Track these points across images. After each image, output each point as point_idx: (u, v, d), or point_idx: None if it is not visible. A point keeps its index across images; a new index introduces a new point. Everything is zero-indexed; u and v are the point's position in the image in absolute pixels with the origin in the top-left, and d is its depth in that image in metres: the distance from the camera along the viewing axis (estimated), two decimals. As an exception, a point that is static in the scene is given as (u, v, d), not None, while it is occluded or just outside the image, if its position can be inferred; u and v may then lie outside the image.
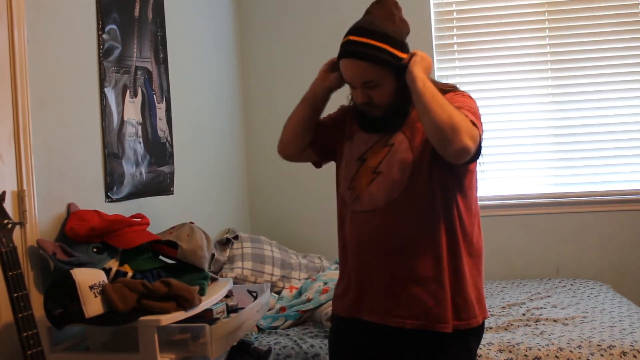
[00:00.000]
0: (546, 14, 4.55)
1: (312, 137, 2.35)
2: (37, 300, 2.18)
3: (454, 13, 4.65)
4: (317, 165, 2.48)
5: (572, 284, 4.12)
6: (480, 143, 2.05)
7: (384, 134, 2.21)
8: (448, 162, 2.05)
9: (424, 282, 2.14)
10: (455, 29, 4.66)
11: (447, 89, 2.19)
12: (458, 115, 1.97)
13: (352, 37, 2.11)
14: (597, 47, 4.50)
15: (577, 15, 4.52)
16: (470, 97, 2.19)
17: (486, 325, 3.23)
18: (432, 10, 4.61)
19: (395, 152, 2.16)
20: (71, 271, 2.09)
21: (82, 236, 2.36)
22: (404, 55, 2.11)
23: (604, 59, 4.49)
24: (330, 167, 2.41)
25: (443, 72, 4.64)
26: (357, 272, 2.25)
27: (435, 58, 4.60)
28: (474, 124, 2.01)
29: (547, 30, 4.56)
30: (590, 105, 4.52)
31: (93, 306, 2.08)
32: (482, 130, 2.08)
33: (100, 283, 2.12)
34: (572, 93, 4.54)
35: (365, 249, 2.21)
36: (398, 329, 2.16)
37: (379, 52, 2.08)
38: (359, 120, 2.26)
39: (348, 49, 2.12)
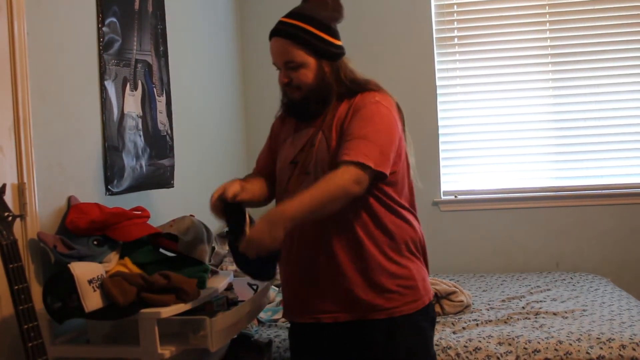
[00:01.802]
0: (547, 7, 4.55)
1: (269, 184, 2.41)
2: (37, 293, 2.18)
3: (455, 7, 4.64)
4: None
5: (571, 278, 4.13)
6: (377, 171, 2.04)
7: (308, 129, 2.23)
8: None
9: (342, 275, 2.15)
10: (455, 23, 4.65)
11: (364, 84, 2.20)
12: (330, 186, 2.00)
13: (281, 19, 2.22)
14: (597, 40, 4.50)
15: (577, 9, 4.51)
16: (383, 104, 2.15)
17: (486, 318, 3.25)
18: (433, 4, 4.61)
19: (317, 152, 2.18)
20: (69, 265, 2.09)
21: (83, 229, 2.36)
22: (332, 40, 2.18)
23: (604, 53, 4.49)
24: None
25: (444, 66, 4.64)
26: (284, 274, 2.31)
27: (435, 52, 4.60)
28: (362, 163, 2.01)
29: (547, 24, 4.56)
30: (590, 98, 4.52)
31: (92, 300, 2.08)
32: (380, 153, 2.05)
33: (99, 277, 2.12)
34: (572, 87, 4.54)
35: (292, 249, 2.23)
36: (330, 324, 2.18)
37: (301, 32, 2.15)
38: (284, 109, 2.34)
39: (273, 28, 2.23)
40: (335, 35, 2.21)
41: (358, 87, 2.19)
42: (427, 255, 2.32)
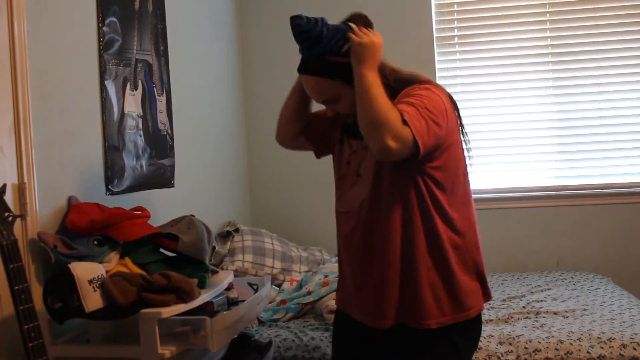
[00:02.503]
0: (547, 6, 4.55)
1: (303, 126, 2.36)
2: (38, 293, 2.18)
3: (455, 5, 4.64)
4: (317, 155, 2.49)
5: (572, 277, 4.12)
6: (414, 141, 1.94)
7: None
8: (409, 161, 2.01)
9: (393, 282, 2.13)
10: (455, 22, 4.65)
11: (411, 80, 2.14)
12: (387, 112, 1.93)
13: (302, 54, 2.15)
14: (598, 39, 4.49)
15: (578, 8, 4.51)
16: (433, 90, 2.09)
17: (487, 317, 3.24)
18: (433, 2, 4.61)
19: (370, 155, 2.14)
20: (69, 265, 2.09)
21: (83, 229, 2.36)
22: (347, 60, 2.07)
23: (605, 52, 4.49)
24: (331, 159, 2.41)
25: (444, 65, 4.64)
26: (341, 270, 2.35)
27: (436, 51, 4.60)
28: (406, 123, 1.93)
29: (547, 23, 4.56)
30: (591, 98, 4.52)
31: (93, 300, 2.08)
32: (427, 127, 1.97)
33: (99, 277, 2.12)
34: (573, 86, 4.54)
35: (344, 248, 2.28)
36: (380, 329, 2.18)
37: (324, 64, 2.09)
38: (341, 128, 2.29)
39: (299, 67, 2.17)
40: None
41: (404, 85, 2.12)
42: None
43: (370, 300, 2.19)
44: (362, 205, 2.17)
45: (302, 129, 2.37)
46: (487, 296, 2.26)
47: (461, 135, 2.18)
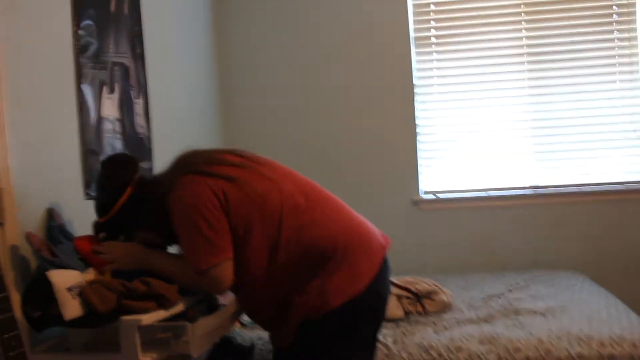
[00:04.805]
0: (522, 6, 4.57)
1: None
2: (17, 301, 2.16)
3: (431, 6, 4.65)
4: None
5: (550, 275, 4.15)
6: (217, 262, 2.16)
7: None
8: None
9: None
10: (432, 22, 4.66)
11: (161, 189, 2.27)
12: (188, 280, 2.26)
13: None
14: (573, 39, 4.53)
15: (553, 8, 4.54)
16: (184, 198, 2.21)
17: (467, 316, 3.26)
18: (410, 3, 4.62)
19: None
20: (47, 273, 2.06)
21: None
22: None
23: (580, 51, 4.53)
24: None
25: (421, 65, 4.65)
26: None
27: (413, 51, 4.61)
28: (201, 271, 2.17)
29: (523, 23, 4.59)
30: (566, 98, 4.55)
31: (72, 308, 2.05)
32: (212, 245, 2.16)
33: (78, 284, 2.10)
34: (548, 86, 4.57)
35: None
36: None
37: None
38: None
39: None
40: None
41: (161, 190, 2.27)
42: None
43: None
44: None
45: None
46: None
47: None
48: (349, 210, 2.37)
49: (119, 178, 2.33)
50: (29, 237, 2.27)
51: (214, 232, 2.15)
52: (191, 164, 2.27)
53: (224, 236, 2.16)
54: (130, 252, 2.31)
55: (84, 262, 2.31)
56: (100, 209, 2.36)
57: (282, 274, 2.22)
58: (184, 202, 2.18)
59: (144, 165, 3.29)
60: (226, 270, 2.17)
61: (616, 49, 4.53)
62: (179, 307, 2.25)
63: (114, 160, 2.45)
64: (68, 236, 2.45)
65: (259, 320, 2.40)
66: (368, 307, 2.28)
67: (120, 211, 2.30)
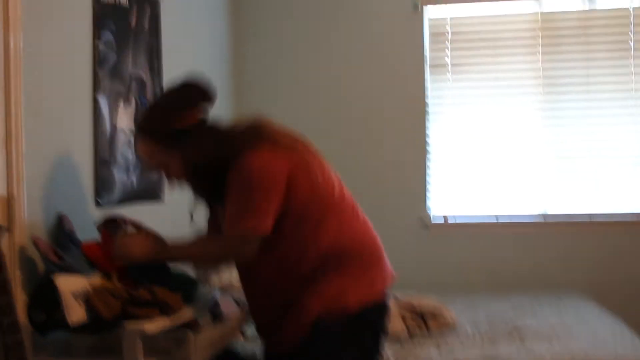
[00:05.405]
0: (539, 37, 4.59)
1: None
2: (22, 306, 2.19)
3: (448, 34, 4.68)
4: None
5: (555, 297, 4.12)
6: (253, 232, 2.16)
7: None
8: None
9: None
10: (448, 49, 4.69)
11: (234, 151, 2.22)
12: (212, 253, 2.31)
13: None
14: (589, 68, 4.54)
15: (569, 37, 4.56)
16: (252, 164, 2.18)
17: (471, 337, 3.25)
18: (427, 31, 4.66)
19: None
20: (53, 277, 2.10)
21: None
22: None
23: (596, 84, 4.53)
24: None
25: (437, 92, 4.67)
26: None
27: (429, 78, 4.65)
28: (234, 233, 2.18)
29: (539, 52, 4.59)
30: (580, 127, 4.56)
31: (77, 313, 2.08)
32: (256, 213, 2.15)
33: (83, 290, 2.13)
34: (563, 117, 4.58)
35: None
36: None
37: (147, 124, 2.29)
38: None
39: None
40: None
41: (229, 151, 2.22)
42: None
43: None
44: None
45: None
46: None
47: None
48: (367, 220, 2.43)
49: (192, 98, 2.27)
50: (35, 241, 2.30)
51: (268, 205, 2.15)
52: (274, 134, 2.28)
53: (271, 214, 2.16)
54: (144, 244, 2.27)
55: (93, 266, 2.34)
56: (154, 119, 2.26)
57: (306, 267, 2.24)
58: (259, 166, 2.15)
59: (155, 177, 3.33)
60: (254, 245, 2.17)
61: (633, 78, 4.51)
62: (183, 316, 2.28)
63: (195, 82, 2.32)
64: (76, 243, 2.47)
65: (265, 318, 2.37)
66: (378, 318, 2.34)
67: (178, 130, 2.22)
